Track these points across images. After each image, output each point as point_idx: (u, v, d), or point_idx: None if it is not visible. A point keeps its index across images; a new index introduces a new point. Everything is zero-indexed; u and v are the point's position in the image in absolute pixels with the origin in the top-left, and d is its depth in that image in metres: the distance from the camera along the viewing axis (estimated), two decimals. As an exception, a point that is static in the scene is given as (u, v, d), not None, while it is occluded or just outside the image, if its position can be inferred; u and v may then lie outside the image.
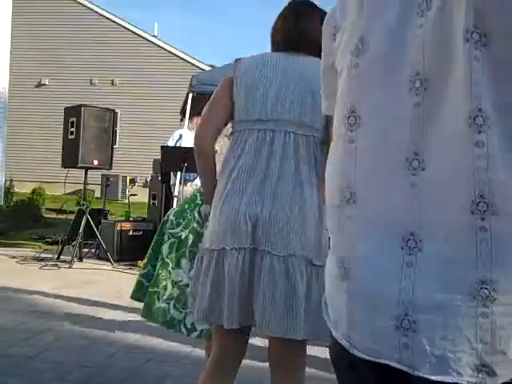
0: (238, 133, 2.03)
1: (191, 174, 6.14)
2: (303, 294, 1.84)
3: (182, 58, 19.36)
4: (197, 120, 6.47)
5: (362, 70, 0.97)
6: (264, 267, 1.84)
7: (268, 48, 2.26)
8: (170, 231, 2.56)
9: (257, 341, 3.84)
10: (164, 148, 7.02)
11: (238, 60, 2.12)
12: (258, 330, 1.89)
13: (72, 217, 7.37)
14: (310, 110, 1.99)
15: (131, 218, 8.12)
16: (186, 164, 6.05)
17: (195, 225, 2.53)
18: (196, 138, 2.12)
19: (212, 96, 2.13)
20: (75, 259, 6.62)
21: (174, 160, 6.41)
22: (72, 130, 7.03)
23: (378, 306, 0.91)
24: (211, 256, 1.92)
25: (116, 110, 7.99)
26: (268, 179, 1.93)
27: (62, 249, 6.86)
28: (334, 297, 1.02)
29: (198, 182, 5.44)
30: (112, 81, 19.20)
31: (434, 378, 0.85)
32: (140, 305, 2.57)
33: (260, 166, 1.94)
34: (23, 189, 14.77)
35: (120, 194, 17.33)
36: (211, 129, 2.10)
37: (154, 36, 20.60)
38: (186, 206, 2.58)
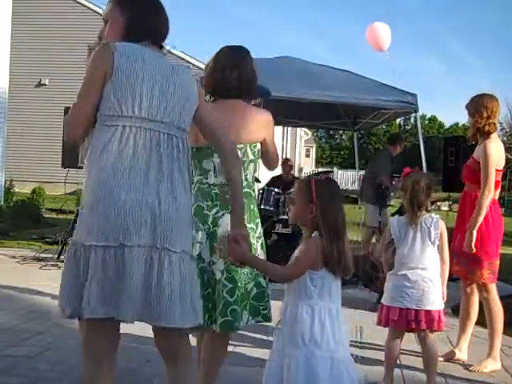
0: (121, 127, 2.04)
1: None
2: (165, 282, 2.02)
3: (182, 58, 19.34)
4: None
5: None
6: (134, 259, 1.99)
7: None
8: None
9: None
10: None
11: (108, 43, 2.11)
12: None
13: (72, 217, 7.36)
14: (186, 114, 2.16)
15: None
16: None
17: None
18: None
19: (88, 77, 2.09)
20: (75, 259, 6.61)
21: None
22: (72, 129, 7.02)
23: None
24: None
25: (116, 110, 7.96)
26: (158, 180, 2.05)
27: (62, 249, 6.85)
28: None
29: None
30: (112, 81, 19.19)
31: None
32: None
33: (150, 166, 2.05)
34: (23, 189, 14.76)
35: (120, 194, 17.28)
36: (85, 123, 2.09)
37: (153, 36, 20.59)
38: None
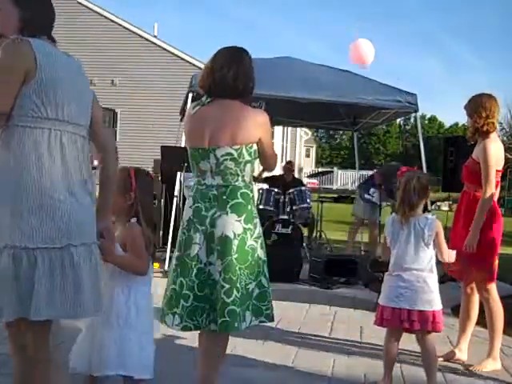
0: (47, 130, 2.00)
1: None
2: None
3: (182, 58, 19.33)
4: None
5: None
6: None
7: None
8: None
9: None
10: (164, 148, 7.03)
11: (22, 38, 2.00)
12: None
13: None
14: (89, 115, 2.20)
15: (131, 218, 8.10)
16: (186, 164, 6.05)
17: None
18: None
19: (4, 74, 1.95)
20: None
21: (174, 160, 6.41)
22: (72, 129, 7.01)
23: None
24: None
25: (116, 110, 7.98)
26: (84, 182, 2.11)
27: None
28: None
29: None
30: (112, 81, 19.18)
31: None
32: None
33: (77, 169, 2.09)
34: (23, 189, 14.73)
35: (120, 194, 17.30)
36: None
37: (154, 36, 20.59)
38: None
